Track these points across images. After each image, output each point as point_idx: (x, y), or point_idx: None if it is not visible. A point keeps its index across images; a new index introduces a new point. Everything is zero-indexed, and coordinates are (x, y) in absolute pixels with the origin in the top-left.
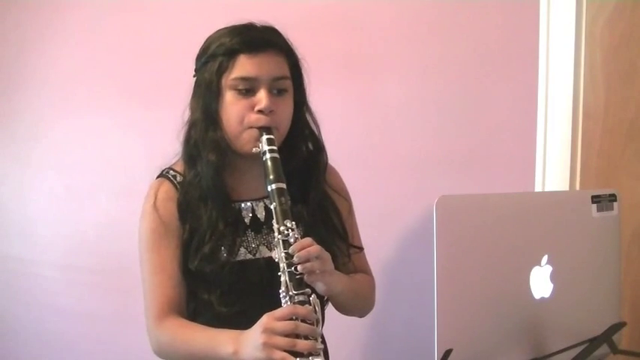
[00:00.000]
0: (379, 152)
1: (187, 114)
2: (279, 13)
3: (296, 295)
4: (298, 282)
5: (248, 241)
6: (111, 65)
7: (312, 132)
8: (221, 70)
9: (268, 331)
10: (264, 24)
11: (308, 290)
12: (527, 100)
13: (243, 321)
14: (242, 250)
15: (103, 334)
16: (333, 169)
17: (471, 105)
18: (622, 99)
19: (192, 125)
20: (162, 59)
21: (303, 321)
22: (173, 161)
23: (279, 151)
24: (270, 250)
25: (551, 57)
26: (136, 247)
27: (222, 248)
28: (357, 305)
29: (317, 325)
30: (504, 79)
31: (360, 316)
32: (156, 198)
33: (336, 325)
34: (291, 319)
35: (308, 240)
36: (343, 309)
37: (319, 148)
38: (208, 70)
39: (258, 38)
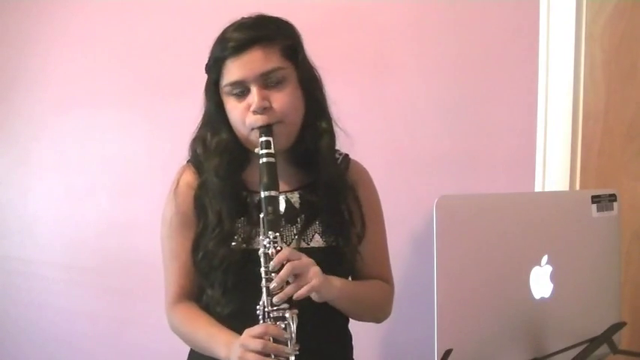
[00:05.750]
0: (379, 152)
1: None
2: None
3: (272, 311)
4: (274, 298)
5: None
6: (110, 65)
7: (325, 114)
8: (216, 80)
9: (243, 346)
10: (251, 15)
11: (285, 306)
12: (528, 101)
13: (243, 320)
14: (258, 238)
15: (103, 333)
16: (359, 164)
17: (471, 105)
18: (622, 99)
19: (198, 132)
20: (162, 59)
21: (275, 339)
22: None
23: (303, 138)
24: (285, 242)
25: (551, 57)
26: (135, 247)
27: (236, 237)
28: (361, 312)
29: (289, 343)
30: (504, 79)
31: (376, 322)
32: (178, 184)
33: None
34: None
35: (285, 252)
36: (348, 315)
37: (329, 129)
38: (208, 79)
39: (239, 39)
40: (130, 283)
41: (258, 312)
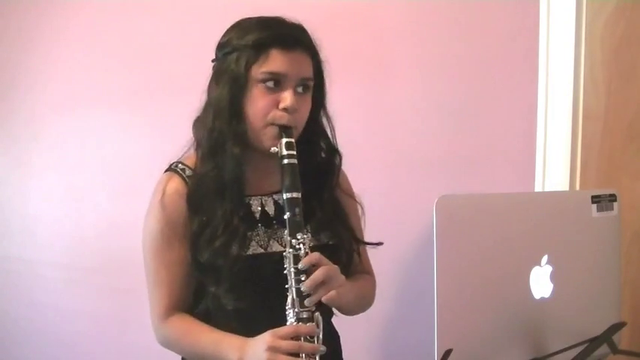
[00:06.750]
0: (379, 152)
1: (204, 100)
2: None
3: (301, 311)
4: (304, 299)
5: (259, 235)
6: (110, 65)
7: (325, 134)
8: (250, 63)
9: (273, 349)
10: (293, 20)
11: (312, 307)
12: (527, 101)
13: (250, 320)
14: (253, 243)
15: (103, 333)
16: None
17: (471, 105)
18: (622, 99)
19: (216, 115)
20: (162, 59)
21: (305, 338)
22: (181, 155)
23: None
24: (282, 245)
25: (551, 57)
26: (135, 247)
27: (234, 242)
28: (359, 309)
29: (318, 341)
30: (504, 79)
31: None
32: (164, 193)
33: (335, 325)
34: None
35: (316, 255)
36: (346, 313)
37: (333, 150)
38: (235, 61)
39: (290, 35)
40: (130, 283)
41: (287, 312)
